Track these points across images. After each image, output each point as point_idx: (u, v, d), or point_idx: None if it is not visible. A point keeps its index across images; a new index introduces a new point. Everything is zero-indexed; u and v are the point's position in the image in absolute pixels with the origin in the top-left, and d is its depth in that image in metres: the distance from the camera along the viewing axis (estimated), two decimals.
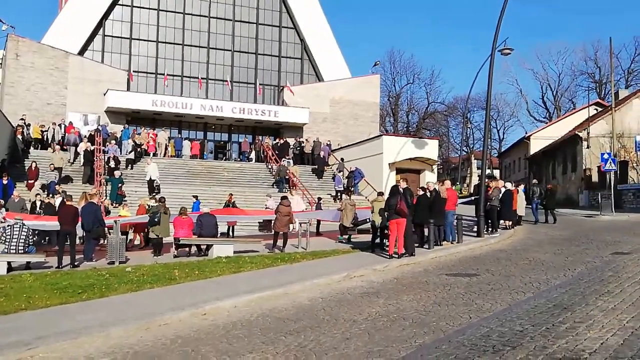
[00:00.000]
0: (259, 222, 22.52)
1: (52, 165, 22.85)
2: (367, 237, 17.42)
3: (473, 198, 21.02)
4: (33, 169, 22.12)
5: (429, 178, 27.77)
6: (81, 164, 25.76)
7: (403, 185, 13.84)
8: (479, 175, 57.78)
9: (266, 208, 22.09)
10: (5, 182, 19.24)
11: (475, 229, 17.83)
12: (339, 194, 27.01)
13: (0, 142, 24.84)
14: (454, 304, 8.72)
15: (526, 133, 52.22)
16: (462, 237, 16.03)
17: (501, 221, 18.60)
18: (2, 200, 18.08)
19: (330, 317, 8.28)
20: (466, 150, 66.84)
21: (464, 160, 64.25)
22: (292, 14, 41.52)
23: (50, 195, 20.56)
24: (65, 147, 27.83)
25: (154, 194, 22.20)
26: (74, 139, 28.40)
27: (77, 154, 26.73)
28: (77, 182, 24.94)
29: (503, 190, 18.73)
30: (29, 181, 21.46)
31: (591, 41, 75.28)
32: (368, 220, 18.22)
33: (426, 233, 15.02)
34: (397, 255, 13.17)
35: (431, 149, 29.86)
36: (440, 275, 11.33)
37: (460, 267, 12.41)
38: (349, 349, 6.63)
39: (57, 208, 18.47)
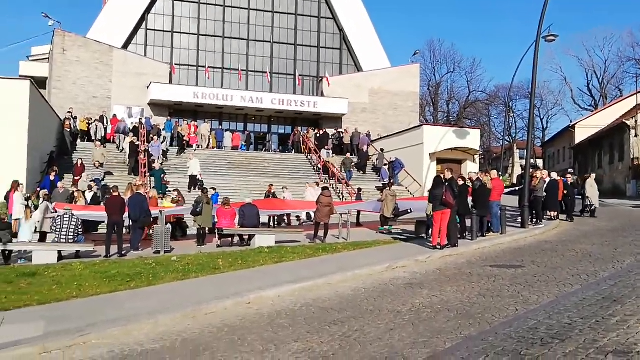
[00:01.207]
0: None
1: (97, 162, 23.24)
2: (409, 228, 17.36)
3: (517, 189, 20.61)
4: (79, 165, 22.59)
5: (471, 168, 27.40)
6: (127, 155, 26.31)
7: (448, 175, 13.68)
8: (521, 165, 56.53)
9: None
10: (52, 178, 19.83)
11: (518, 220, 17.53)
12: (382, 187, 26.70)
13: (49, 135, 25.62)
14: (499, 295, 8.61)
15: (571, 122, 50.92)
16: (506, 228, 15.79)
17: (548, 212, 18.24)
18: (46, 191, 18.50)
19: (373, 308, 8.29)
20: (508, 139, 65.58)
21: (506, 150, 63.04)
22: (331, 4, 41.39)
23: (93, 190, 20.97)
24: (113, 140, 28.64)
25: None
26: (123, 127, 29.38)
27: (122, 148, 27.25)
28: (122, 173, 25.51)
29: (548, 180, 18.36)
30: (75, 177, 21.91)
31: (638, 26, 72.52)
32: (410, 210, 18.15)
33: (469, 224, 14.85)
34: (439, 247, 13.07)
35: (473, 139, 29.44)
36: (484, 267, 11.19)
37: (504, 258, 12.23)
38: (393, 340, 6.64)
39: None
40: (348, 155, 29.89)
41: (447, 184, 13.28)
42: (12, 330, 7.62)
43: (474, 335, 6.63)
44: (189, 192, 23.27)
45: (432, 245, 13.45)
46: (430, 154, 28.47)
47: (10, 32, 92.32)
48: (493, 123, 69.52)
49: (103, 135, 28.79)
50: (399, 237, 16.38)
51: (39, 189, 18.51)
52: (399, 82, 40.51)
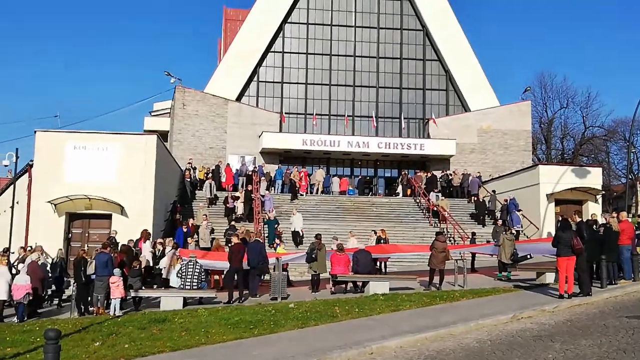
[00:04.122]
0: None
1: (205, 216, 23.94)
2: (530, 275, 16.55)
3: None
4: (190, 225, 22.90)
5: (593, 209, 25.78)
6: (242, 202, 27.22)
7: (577, 218, 12.96)
8: None
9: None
10: (185, 229, 21.22)
11: None
12: (517, 235, 23.59)
13: (172, 185, 27.31)
14: None
15: None
16: (639, 274, 14.62)
17: None
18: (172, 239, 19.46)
19: None
20: (631, 177, 61.19)
21: (630, 188, 58.78)
22: (437, 47, 41.37)
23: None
24: (228, 189, 29.92)
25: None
26: (244, 170, 31.61)
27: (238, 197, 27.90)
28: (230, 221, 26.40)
29: None
30: (187, 238, 22.39)
31: None
32: (529, 256, 17.35)
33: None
34: (567, 295, 12.33)
35: (594, 178, 27.74)
36: (620, 318, 10.40)
37: None
38: None
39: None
40: (499, 222, 24.96)
41: (576, 228, 12.57)
42: None
43: None
44: (297, 247, 23.30)
45: (558, 293, 12.72)
46: (547, 195, 27.17)
47: (133, 90, 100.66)
48: (612, 160, 65.24)
49: (215, 193, 29.23)
50: (520, 284, 15.64)
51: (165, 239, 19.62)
52: (509, 120, 39.48)
